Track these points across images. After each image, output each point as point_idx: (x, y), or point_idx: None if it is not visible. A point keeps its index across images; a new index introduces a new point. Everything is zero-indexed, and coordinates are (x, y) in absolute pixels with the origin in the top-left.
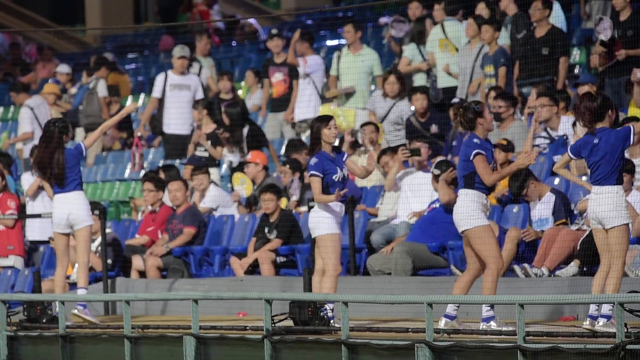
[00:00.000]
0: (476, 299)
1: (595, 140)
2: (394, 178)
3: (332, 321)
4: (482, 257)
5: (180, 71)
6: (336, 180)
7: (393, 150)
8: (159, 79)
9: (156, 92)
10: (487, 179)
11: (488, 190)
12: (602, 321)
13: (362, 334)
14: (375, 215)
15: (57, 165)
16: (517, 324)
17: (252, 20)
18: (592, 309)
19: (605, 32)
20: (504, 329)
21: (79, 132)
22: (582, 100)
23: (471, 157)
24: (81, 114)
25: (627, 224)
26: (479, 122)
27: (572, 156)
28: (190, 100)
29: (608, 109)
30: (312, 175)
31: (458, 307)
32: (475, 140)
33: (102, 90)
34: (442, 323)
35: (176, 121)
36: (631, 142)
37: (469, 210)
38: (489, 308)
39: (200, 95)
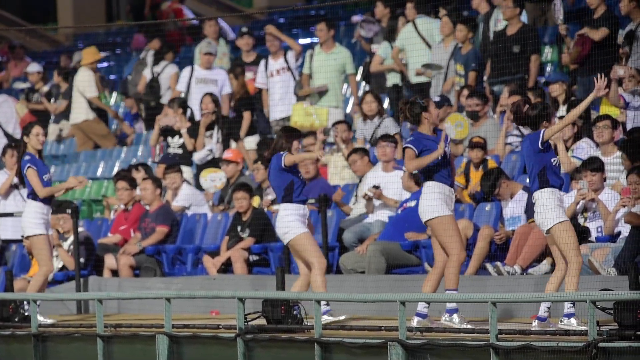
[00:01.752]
0: (448, 296)
1: (522, 148)
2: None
3: (327, 314)
4: (445, 248)
5: (206, 66)
6: (300, 179)
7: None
8: (184, 73)
9: (180, 86)
10: (407, 167)
11: (451, 182)
12: (565, 320)
13: (335, 332)
14: (348, 214)
15: (18, 168)
16: (489, 322)
17: (220, 21)
18: (567, 306)
19: (559, 13)
20: (464, 326)
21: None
22: (519, 105)
23: (403, 147)
24: (130, 84)
25: (564, 221)
26: (424, 116)
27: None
28: (218, 94)
29: (543, 119)
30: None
31: (429, 305)
32: (411, 137)
33: (151, 61)
34: (414, 321)
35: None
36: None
37: (431, 201)
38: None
39: (227, 90)
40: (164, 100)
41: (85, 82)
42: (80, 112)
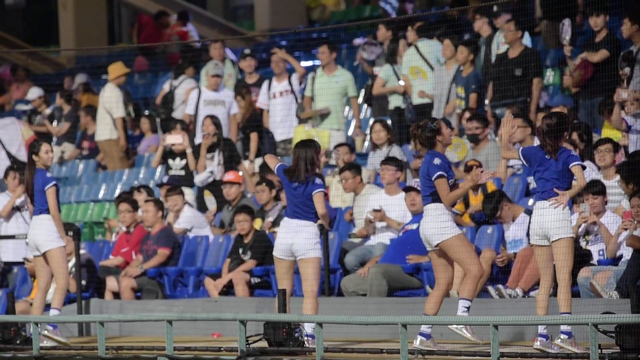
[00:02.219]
0: (451, 320)
1: (547, 156)
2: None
3: (307, 339)
4: (462, 265)
5: (214, 88)
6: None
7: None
8: (192, 95)
9: (189, 109)
10: (446, 200)
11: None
12: (539, 341)
13: (336, 355)
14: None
15: (27, 186)
16: (491, 344)
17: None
18: (541, 328)
19: (566, 34)
20: (476, 340)
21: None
22: (542, 120)
23: (433, 178)
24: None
25: (572, 238)
26: (438, 139)
27: (521, 157)
28: (226, 116)
29: (564, 130)
30: (320, 191)
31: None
32: (436, 160)
33: (171, 75)
34: (417, 342)
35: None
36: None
37: (440, 223)
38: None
39: (235, 110)
40: (176, 114)
41: (112, 101)
42: (105, 130)
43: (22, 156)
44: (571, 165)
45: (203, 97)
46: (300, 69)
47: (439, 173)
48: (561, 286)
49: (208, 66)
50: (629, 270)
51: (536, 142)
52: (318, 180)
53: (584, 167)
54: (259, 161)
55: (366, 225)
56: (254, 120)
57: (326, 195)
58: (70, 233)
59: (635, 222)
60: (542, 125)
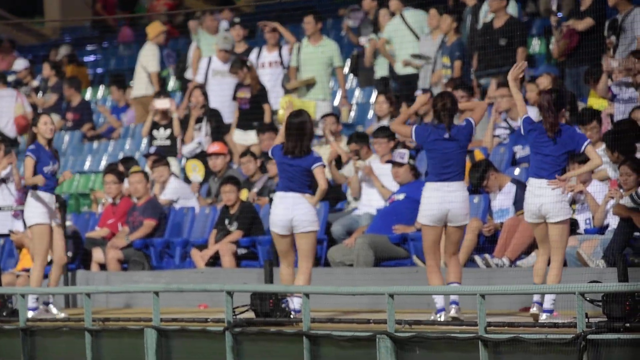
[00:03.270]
0: (438, 289)
1: (548, 133)
2: (358, 186)
3: (293, 314)
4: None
5: (224, 60)
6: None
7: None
8: (202, 64)
9: (199, 77)
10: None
11: None
12: (545, 315)
13: (323, 325)
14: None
15: None
16: (478, 314)
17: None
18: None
19: (553, 2)
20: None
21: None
22: (542, 96)
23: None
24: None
25: (570, 219)
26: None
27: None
28: (234, 87)
29: (563, 106)
30: (322, 164)
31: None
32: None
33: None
34: (452, 311)
35: (219, 109)
36: (580, 150)
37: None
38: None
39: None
40: (188, 74)
41: (149, 57)
42: (141, 86)
43: (10, 131)
44: (583, 146)
45: (212, 67)
46: (291, 37)
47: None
48: (554, 266)
49: (217, 38)
50: (615, 239)
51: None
52: (316, 153)
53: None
54: (245, 133)
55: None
56: (262, 91)
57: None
58: (57, 204)
59: (622, 190)
60: (542, 101)
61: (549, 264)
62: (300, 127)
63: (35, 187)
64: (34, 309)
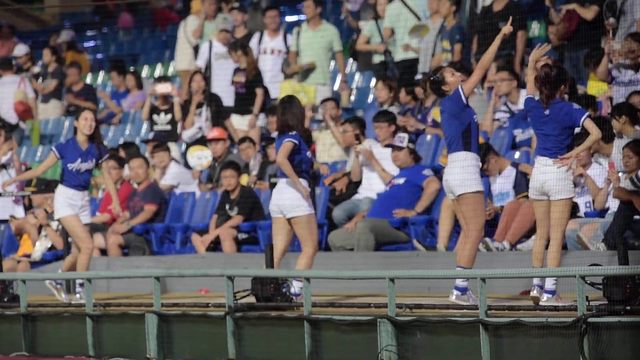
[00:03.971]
0: (441, 273)
1: (547, 112)
2: (359, 166)
3: (293, 298)
4: (468, 224)
5: (225, 42)
6: (309, 157)
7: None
8: (203, 48)
9: (200, 61)
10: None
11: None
12: (545, 297)
13: (324, 309)
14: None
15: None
16: (479, 297)
17: None
18: (538, 280)
19: None
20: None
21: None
22: (541, 68)
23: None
24: None
25: (572, 198)
26: (445, 88)
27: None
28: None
29: (562, 82)
30: (288, 140)
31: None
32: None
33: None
34: (452, 297)
35: (224, 93)
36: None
37: (470, 174)
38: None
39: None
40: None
41: (193, 29)
42: (184, 60)
43: (10, 117)
44: (582, 120)
45: (214, 51)
46: None
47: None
48: (553, 244)
49: (217, 20)
50: (615, 222)
51: (522, 95)
52: (292, 132)
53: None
54: (244, 118)
55: (355, 157)
56: (258, 76)
57: (296, 145)
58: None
59: (620, 173)
60: (540, 73)
61: (547, 247)
62: (278, 108)
63: (61, 181)
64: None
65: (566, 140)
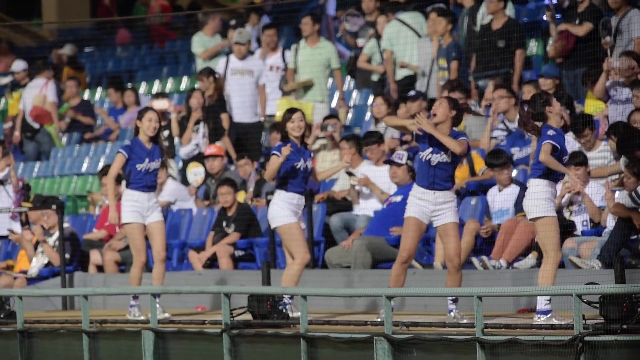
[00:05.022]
0: (438, 291)
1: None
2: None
3: (288, 307)
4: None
5: (240, 56)
6: (298, 168)
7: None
8: (220, 64)
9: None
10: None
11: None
12: (543, 317)
13: (320, 327)
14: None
15: None
16: (475, 316)
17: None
18: (542, 303)
19: None
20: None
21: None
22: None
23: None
24: None
25: (549, 217)
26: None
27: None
28: (254, 86)
29: (544, 106)
30: (272, 154)
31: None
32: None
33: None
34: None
35: (239, 109)
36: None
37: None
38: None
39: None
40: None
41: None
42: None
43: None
44: (542, 144)
45: (230, 66)
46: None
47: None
48: (543, 264)
49: (235, 33)
50: (612, 239)
51: None
52: (277, 144)
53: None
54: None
55: (352, 191)
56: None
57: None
58: (54, 206)
59: (616, 193)
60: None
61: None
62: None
63: (127, 185)
64: (133, 306)
65: (541, 163)
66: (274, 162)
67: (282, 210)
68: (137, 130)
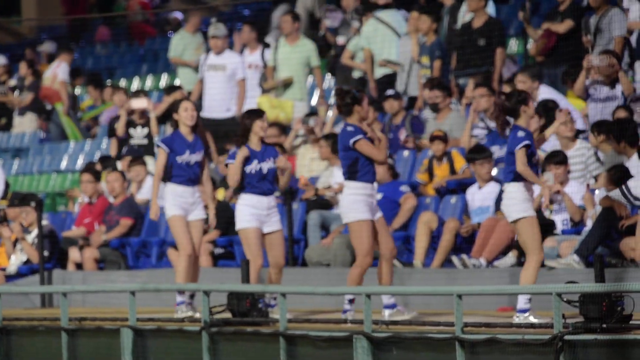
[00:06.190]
0: (417, 290)
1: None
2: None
3: (271, 309)
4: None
5: (217, 51)
6: (248, 172)
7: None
8: (202, 60)
9: (200, 73)
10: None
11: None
12: (522, 316)
13: (300, 325)
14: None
15: None
16: (455, 314)
17: (177, 14)
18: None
19: None
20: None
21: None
22: (498, 95)
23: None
24: None
25: (527, 217)
26: (356, 109)
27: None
28: (226, 81)
29: (521, 104)
30: (226, 163)
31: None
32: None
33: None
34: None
35: (211, 105)
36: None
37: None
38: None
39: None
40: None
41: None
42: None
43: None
44: (516, 149)
45: (207, 61)
46: None
47: (523, 144)
48: (525, 263)
49: (210, 27)
50: (592, 233)
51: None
52: (232, 151)
53: (527, 146)
54: None
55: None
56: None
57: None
58: (32, 204)
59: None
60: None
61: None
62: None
63: (169, 179)
64: (180, 303)
65: (512, 165)
66: (231, 169)
67: (240, 213)
68: (176, 124)
